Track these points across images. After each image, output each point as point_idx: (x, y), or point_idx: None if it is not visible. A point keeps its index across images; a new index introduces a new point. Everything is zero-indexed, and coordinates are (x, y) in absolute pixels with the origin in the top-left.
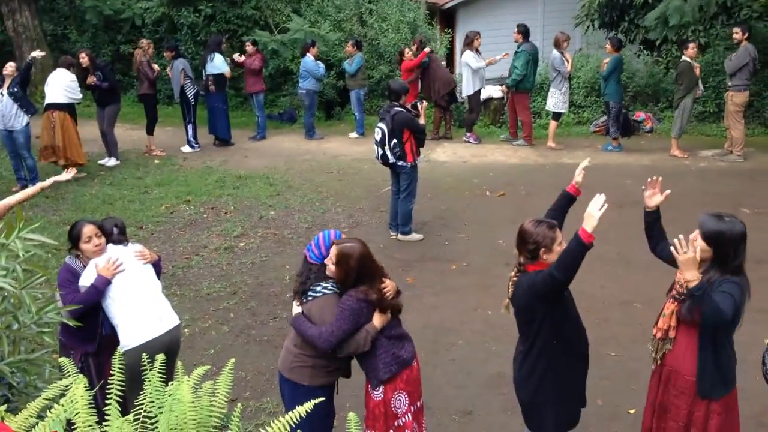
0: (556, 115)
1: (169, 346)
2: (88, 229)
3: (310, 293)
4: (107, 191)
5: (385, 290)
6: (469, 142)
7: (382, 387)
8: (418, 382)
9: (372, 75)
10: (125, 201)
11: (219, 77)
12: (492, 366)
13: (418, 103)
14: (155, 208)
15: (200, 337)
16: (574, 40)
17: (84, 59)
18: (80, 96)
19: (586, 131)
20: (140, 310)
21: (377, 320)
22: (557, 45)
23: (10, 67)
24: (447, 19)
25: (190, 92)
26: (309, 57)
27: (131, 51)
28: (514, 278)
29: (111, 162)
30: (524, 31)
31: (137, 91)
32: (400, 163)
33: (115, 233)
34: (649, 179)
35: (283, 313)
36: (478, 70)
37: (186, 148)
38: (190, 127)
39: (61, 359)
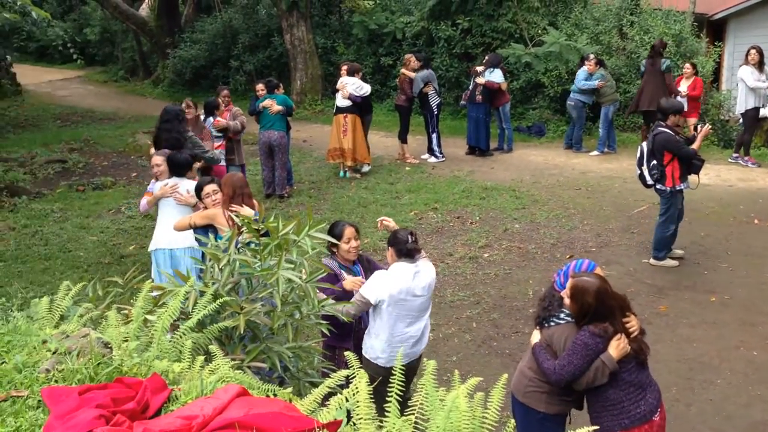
0: None
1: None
2: (349, 231)
3: (552, 319)
4: (362, 194)
5: (629, 326)
6: (745, 165)
7: None
8: None
9: (628, 90)
10: (378, 205)
11: (486, 90)
12: (756, 412)
13: (699, 126)
14: (405, 213)
15: (443, 343)
16: None
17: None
18: (368, 88)
19: None
20: (394, 340)
21: (614, 350)
22: None
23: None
24: (716, 30)
25: (434, 102)
26: (583, 68)
27: (390, 63)
28: None
29: (365, 168)
30: None
31: (395, 102)
32: (658, 186)
33: (409, 241)
34: None
35: (525, 328)
36: (756, 88)
37: (431, 158)
38: (434, 136)
39: (347, 353)
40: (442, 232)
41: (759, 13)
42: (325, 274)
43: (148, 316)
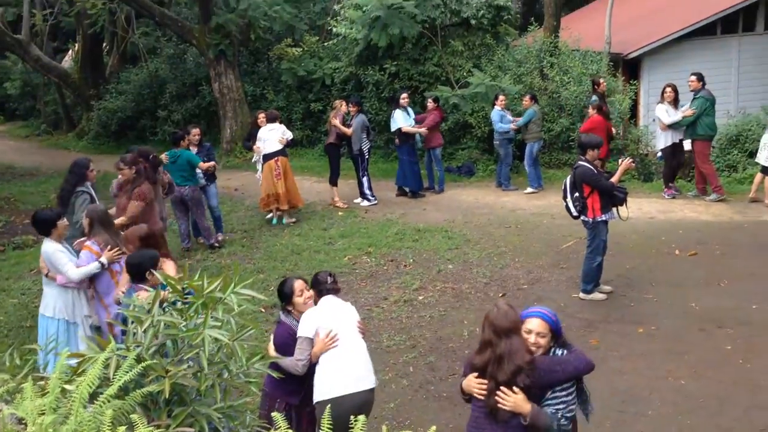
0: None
1: (360, 407)
2: (298, 284)
3: None
4: (295, 242)
5: (476, 386)
6: (662, 196)
7: None
8: None
9: (552, 128)
10: (311, 251)
11: (401, 132)
12: None
13: (621, 159)
14: (339, 259)
15: (380, 389)
16: None
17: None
18: (291, 134)
19: None
20: (340, 365)
21: (465, 382)
22: None
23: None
24: (631, 69)
25: (365, 146)
26: (496, 107)
27: (320, 108)
28: None
29: (292, 219)
30: (702, 78)
31: (324, 143)
32: (582, 218)
33: (329, 281)
34: None
35: (462, 370)
36: (672, 124)
37: (363, 202)
38: (364, 180)
39: (274, 413)
40: (376, 276)
41: (670, 52)
42: (250, 330)
43: (67, 386)
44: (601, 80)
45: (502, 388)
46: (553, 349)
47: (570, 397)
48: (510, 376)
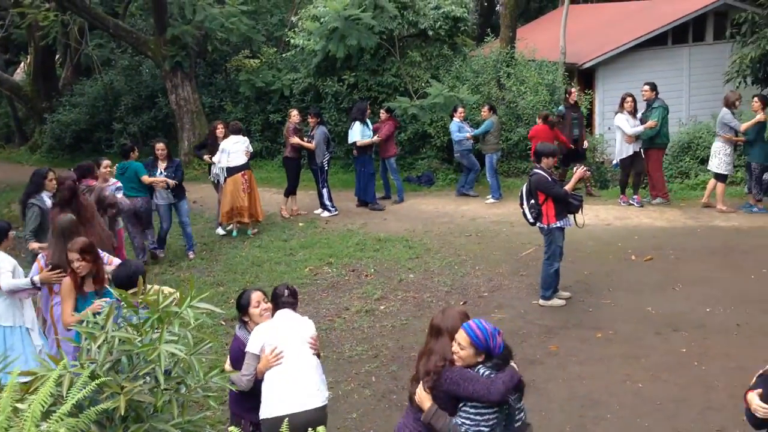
0: (722, 177)
1: (306, 427)
2: (256, 295)
3: None
4: (256, 253)
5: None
6: (620, 203)
7: None
8: None
9: (509, 137)
10: (272, 263)
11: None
12: None
13: (575, 168)
14: (300, 270)
15: (343, 400)
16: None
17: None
18: (251, 148)
19: (740, 192)
20: (285, 383)
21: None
22: (728, 104)
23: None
24: (586, 79)
25: (325, 159)
26: (454, 119)
27: (279, 120)
28: None
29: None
30: (656, 87)
31: (283, 155)
32: (538, 224)
33: (286, 294)
34: None
35: None
36: (634, 134)
37: (324, 213)
38: (324, 191)
39: (231, 428)
40: (337, 287)
41: (624, 62)
42: (208, 344)
43: (18, 405)
44: (573, 90)
45: (421, 380)
46: (478, 367)
47: (480, 418)
48: (422, 374)
